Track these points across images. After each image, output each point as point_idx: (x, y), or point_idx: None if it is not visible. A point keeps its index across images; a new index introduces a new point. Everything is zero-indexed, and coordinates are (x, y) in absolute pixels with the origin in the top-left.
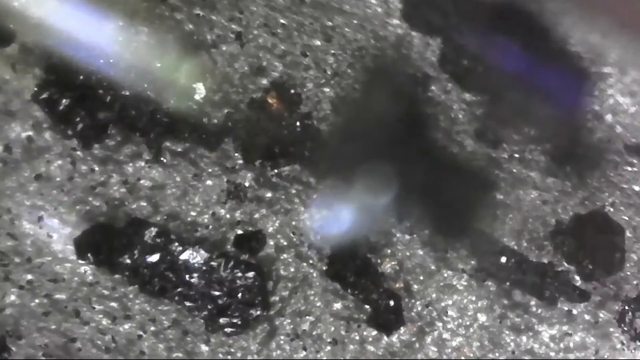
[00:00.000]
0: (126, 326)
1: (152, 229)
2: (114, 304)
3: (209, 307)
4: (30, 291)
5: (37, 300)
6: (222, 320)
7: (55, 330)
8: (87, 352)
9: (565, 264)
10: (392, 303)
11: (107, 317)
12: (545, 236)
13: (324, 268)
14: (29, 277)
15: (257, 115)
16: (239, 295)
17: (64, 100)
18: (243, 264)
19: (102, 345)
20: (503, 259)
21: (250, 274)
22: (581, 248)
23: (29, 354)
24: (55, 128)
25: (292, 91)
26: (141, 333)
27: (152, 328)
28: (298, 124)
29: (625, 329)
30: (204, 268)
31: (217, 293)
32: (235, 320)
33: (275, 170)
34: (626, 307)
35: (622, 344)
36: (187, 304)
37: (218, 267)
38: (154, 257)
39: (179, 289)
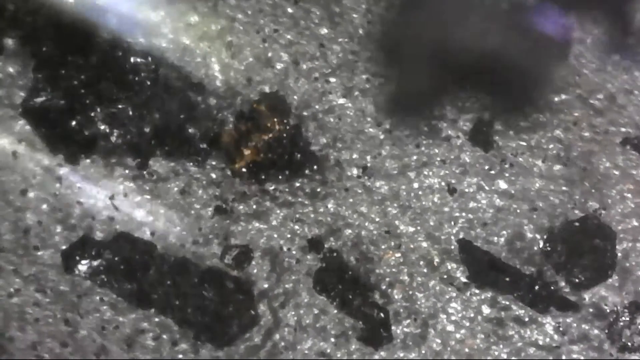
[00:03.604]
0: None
1: (141, 241)
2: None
3: (198, 319)
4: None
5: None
6: (208, 335)
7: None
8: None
9: (555, 272)
10: (382, 315)
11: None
12: (537, 243)
13: (311, 283)
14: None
15: (246, 125)
16: (226, 309)
17: (51, 111)
18: (230, 279)
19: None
20: (493, 271)
21: (237, 288)
22: (571, 256)
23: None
24: (44, 139)
25: (283, 101)
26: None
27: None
28: (286, 135)
29: (614, 338)
30: (192, 281)
31: (204, 305)
32: (221, 334)
33: (270, 183)
34: (617, 315)
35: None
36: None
37: (205, 281)
38: (141, 270)
39: (166, 301)
